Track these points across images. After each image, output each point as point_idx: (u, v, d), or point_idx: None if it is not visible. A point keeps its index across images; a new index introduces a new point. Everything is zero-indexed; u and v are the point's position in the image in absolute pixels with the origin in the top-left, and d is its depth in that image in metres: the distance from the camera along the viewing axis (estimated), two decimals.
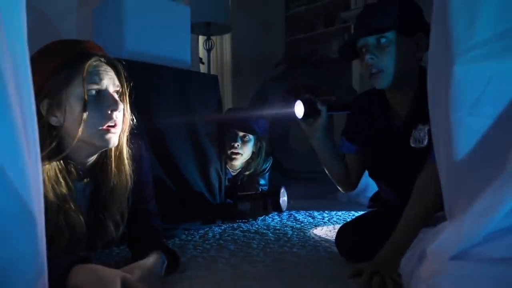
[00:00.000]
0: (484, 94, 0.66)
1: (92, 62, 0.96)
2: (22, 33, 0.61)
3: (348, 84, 3.36)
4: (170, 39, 1.82)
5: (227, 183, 2.08)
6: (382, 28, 1.06)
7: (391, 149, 1.15)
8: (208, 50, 3.13)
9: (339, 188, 1.36)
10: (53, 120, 0.95)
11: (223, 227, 1.76)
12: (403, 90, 1.12)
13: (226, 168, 2.11)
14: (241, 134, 2.15)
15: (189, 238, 1.55)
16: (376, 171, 1.25)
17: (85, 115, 0.93)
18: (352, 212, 2.09)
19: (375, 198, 1.35)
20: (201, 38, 3.24)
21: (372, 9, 1.11)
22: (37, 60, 0.94)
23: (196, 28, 2.90)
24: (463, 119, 0.68)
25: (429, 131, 1.05)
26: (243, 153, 2.16)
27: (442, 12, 0.72)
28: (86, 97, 0.93)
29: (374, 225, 1.20)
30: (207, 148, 1.87)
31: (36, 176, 0.61)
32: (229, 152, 2.13)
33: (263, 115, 2.19)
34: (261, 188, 2.25)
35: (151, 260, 0.99)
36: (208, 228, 1.73)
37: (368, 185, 1.85)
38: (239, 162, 2.19)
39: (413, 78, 1.11)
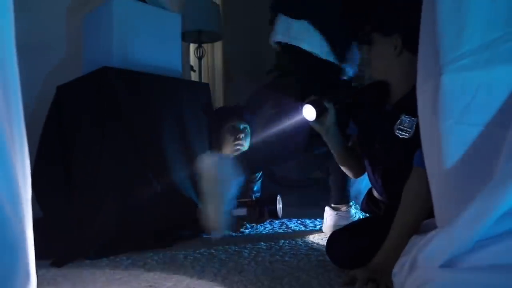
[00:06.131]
0: (472, 103, 0.67)
1: None
2: (10, 38, 0.61)
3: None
4: (160, 47, 1.83)
5: None
6: (366, 33, 1.18)
7: (377, 133, 1.21)
8: (199, 58, 3.14)
9: (349, 175, 1.45)
10: None
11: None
12: (401, 82, 1.16)
13: None
14: (241, 127, 2.15)
15: (180, 246, 1.54)
16: (364, 155, 1.31)
17: None
18: None
19: (367, 197, 1.37)
20: (192, 46, 3.25)
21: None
22: None
23: (187, 36, 2.91)
24: (452, 127, 0.69)
25: (417, 126, 1.07)
26: (245, 144, 2.16)
27: (430, 22, 0.73)
28: None
29: (364, 232, 1.21)
30: (198, 155, 1.87)
31: (24, 181, 0.60)
32: (233, 144, 2.11)
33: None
34: (254, 196, 2.25)
35: None
36: (198, 237, 1.72)
37: (360, 193, 1.85)
38: None
39: (407, 73, 1.14)
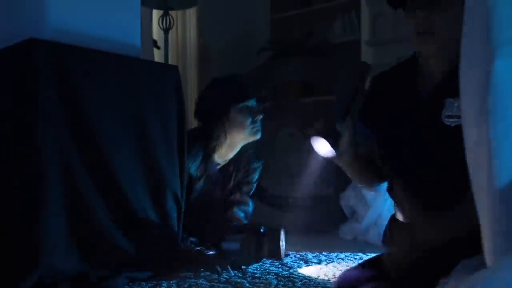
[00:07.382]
0: None
1: None
2: None
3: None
4: (111, 14, 1.81)
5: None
6: None
7: (410, 128, 1.23)
8: (166, 30, 3.13)
9: (365, 187, 1.55)
10: None
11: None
12: (446, 56, 1.19)
13: (210, 161, 2.17)
14: (258, 106, 2.21)
15: None
16: (389, 161, 1.32)
17: None
18: (359, 254, 2.09)
19: (390, 225, 1.38)
20: (156, 14, 3.24)
21: None
22: None
23: (150, 0, 2.89)
24: (507, 131, 0.69)
25: None
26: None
27: None
28: None
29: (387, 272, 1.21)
30: (162, 164, 1.85)
31: None
32: (251, 127, 2.17)
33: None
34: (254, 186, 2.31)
35: None
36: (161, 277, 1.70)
37: (381, 217, 1.86)
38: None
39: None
